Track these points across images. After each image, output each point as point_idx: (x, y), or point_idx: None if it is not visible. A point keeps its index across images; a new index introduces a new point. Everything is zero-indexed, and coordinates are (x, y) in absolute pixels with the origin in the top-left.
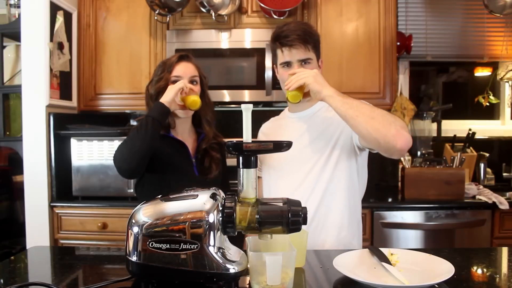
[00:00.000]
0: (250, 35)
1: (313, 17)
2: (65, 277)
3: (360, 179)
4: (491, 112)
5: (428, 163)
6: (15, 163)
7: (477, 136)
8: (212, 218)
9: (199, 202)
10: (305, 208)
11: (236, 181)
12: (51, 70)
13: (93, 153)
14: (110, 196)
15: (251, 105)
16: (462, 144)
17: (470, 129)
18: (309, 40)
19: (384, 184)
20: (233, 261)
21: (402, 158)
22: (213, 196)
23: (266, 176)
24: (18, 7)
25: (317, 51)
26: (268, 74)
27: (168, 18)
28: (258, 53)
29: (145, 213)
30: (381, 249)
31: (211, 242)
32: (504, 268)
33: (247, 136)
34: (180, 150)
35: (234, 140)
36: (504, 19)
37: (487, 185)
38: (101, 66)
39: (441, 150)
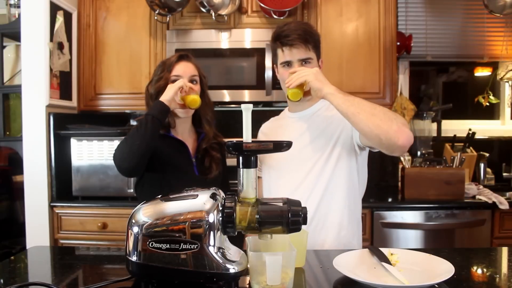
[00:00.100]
0: (250, 35)
1: (313, 17)
2: (65, 277)
3: (360, 179)
4: (491, 112)
5: (428, 163)
6: (15, 163)
7: (477, 136)
8: (212, 218)
9: (199, 202)
10: (305, 208)
11: (236, 181)
12: (51, 70)
13: (93, 153)
14: (110, 196)
15: (251, 105)
16: (462, 144)
17: (470, 129)
18: (309, 40)
19: (384, 184)
20: (233, 261)
21: (402, 158)
22: (213, 196)
23: (266, 176)
24: (18, 7)
25: (318, 51)
26: (268, 74)
27: (168, 18)
28: (258, 53)
29: (145, 213)
30: (381, 249)
31: (211, 242)
32: (504, 268)
33: (247, 136)
34: (180, 150)
35: (234, 140)
36: (504, 19)
37: (487, 185)
38: (101, 66)
39: (441, 150)
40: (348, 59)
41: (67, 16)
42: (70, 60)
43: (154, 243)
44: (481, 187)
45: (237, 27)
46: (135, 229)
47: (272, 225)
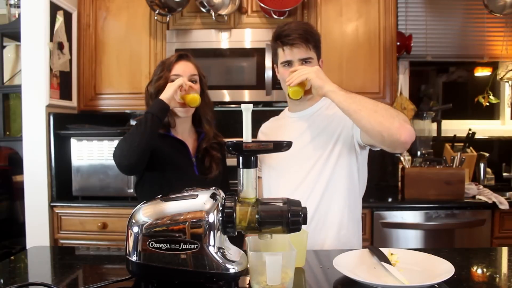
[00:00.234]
0: (250, 35)
1: (313, 17)
2: (65, 277)
3: (361, 178)
4: (491, 112)
5: (428, 163)
6: (15, 163)
7: (477, 136)
8: (212, 218)
9: (199, 202)
10: (305, 208)
11: (236, 181)
12: (51, 70)
13: (93, 153)
14: (110, 196)
15: (251, 105)
16: (462, 144)
17: (470, 129)
18: (310, 40)
19: (384, 184)
20: (233, 261)
21: (402, 158)
22: (213, 196)
23: (266, 175)
24: (18, 7)
25: (318, 51)
26: (268, 74)
27: (168, 18)
28: (258, 53)
29: (145, 213)
30: (381, 249)
31: (211, 242)
32: (504, 268)
33: (247, 136)
34: (180, 150)
35: (234, 140)
36: (504, 19)
37: (487, 185)
38: (101, 66)
39: (441, 150)
40: (348, 59)
41: (67, 16)
42: (70, 60)
43: (154, 243)
44: (481, 187)
45: (237, 27)
46: (135, 229)
47: (272, 225)
